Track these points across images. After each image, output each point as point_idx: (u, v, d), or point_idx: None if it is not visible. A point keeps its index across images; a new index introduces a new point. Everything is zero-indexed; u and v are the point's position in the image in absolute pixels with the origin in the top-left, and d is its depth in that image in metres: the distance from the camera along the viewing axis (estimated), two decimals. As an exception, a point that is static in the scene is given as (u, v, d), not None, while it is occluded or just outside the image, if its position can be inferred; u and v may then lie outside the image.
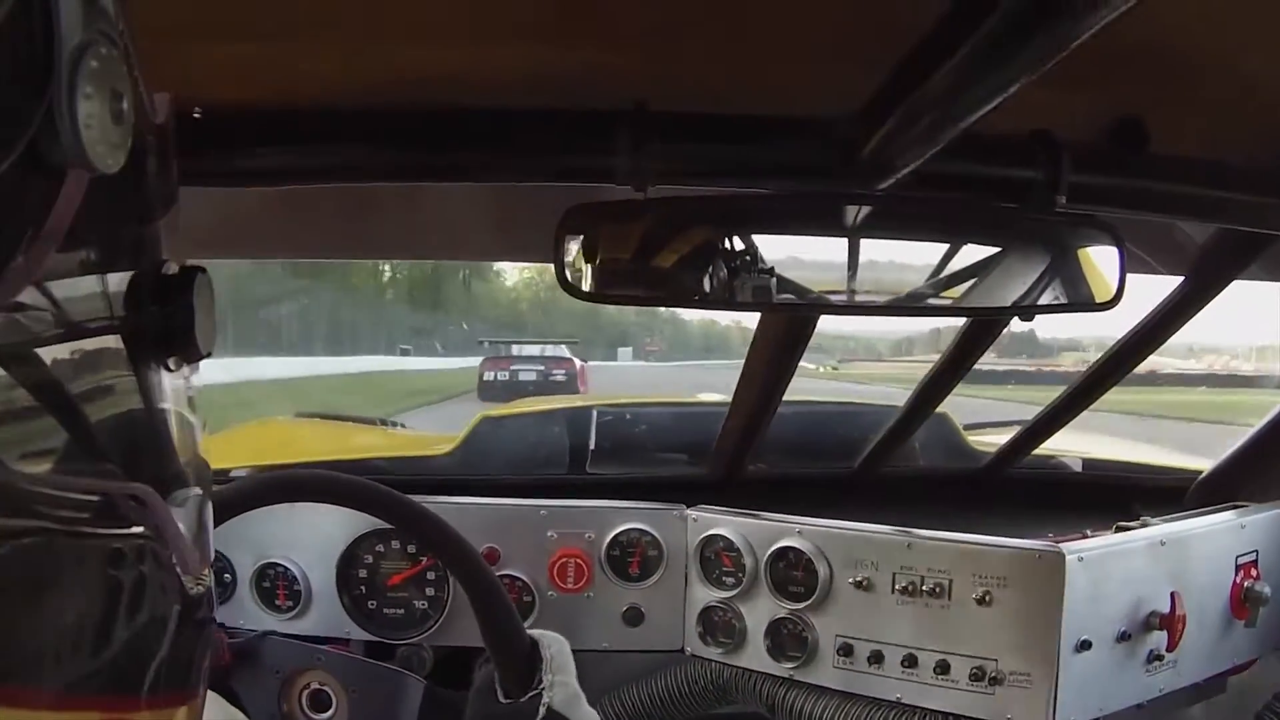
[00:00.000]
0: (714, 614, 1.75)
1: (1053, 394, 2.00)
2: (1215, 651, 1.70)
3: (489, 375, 16.80)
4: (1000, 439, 2.22)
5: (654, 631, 1.80)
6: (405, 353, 24.22)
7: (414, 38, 1.02)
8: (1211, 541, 1.68)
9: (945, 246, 1.27)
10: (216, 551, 1.72)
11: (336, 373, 18.32)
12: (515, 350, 18.69)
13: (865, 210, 1.21)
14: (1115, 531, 1.62)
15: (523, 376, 16.40)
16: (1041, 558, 1.48)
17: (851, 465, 2.15)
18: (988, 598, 1.51)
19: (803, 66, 1.07)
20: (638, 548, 1.79)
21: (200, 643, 0.55)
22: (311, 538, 1.75)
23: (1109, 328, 1.80)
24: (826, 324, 1.82)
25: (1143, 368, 1.90)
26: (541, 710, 1.19)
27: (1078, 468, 2.37)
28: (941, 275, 1.27)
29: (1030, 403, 2.07)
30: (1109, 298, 1.23)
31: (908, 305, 1.28)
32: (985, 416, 2.90)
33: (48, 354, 0.41)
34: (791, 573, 1.67)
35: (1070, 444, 2.38)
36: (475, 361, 17.89)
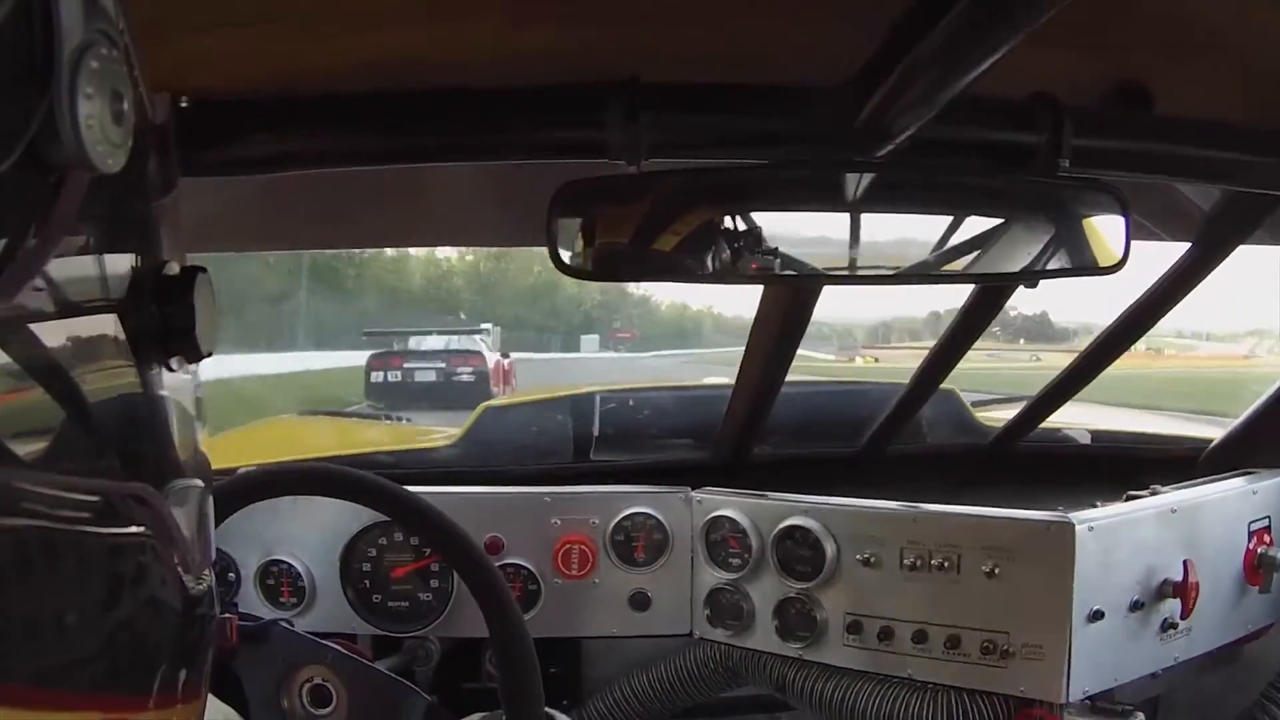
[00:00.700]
0: (721, 596, 1.74)
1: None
2: (1229, 619, 1.69)
3: (377, 376, 14.60)
4: (1008, 414, 2.20)
5: (661, 616, 1.79)
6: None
7: (404, 20, 1.01)
8: (1223, 508, 1.67)
9: (948, 214, 1.25)
10: (219, 550, 1.72)
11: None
12: (412, 344, 16.02)
13: (865, 180, 1.20)
14: (1125, 500, 1.60)
15: (420, 377, 14.20)
16: (1051, 528, 1.46)
17: (858, 444, 2.13)
18: (997, 570, 1.49)
19: (795, 32, 1.05)
20: (642, 532, 1.78)
21: (202, 642, 0.55)
22: (314, 533, 1.75)
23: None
24: (824, 312, 1.79)
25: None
26: None
27: (1086, 440, 2.35)
28: (945, 243, 1.26)
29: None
30: (1114, 262, 1.21)
31: (911, 274, 1.26)
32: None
33: (49, 354, 0.41)
34: (798, 552, 1.65)
35: (1078, 416, 2.36)
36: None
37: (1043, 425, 2.14)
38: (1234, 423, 1.98)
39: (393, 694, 1.32)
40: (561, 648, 1.84)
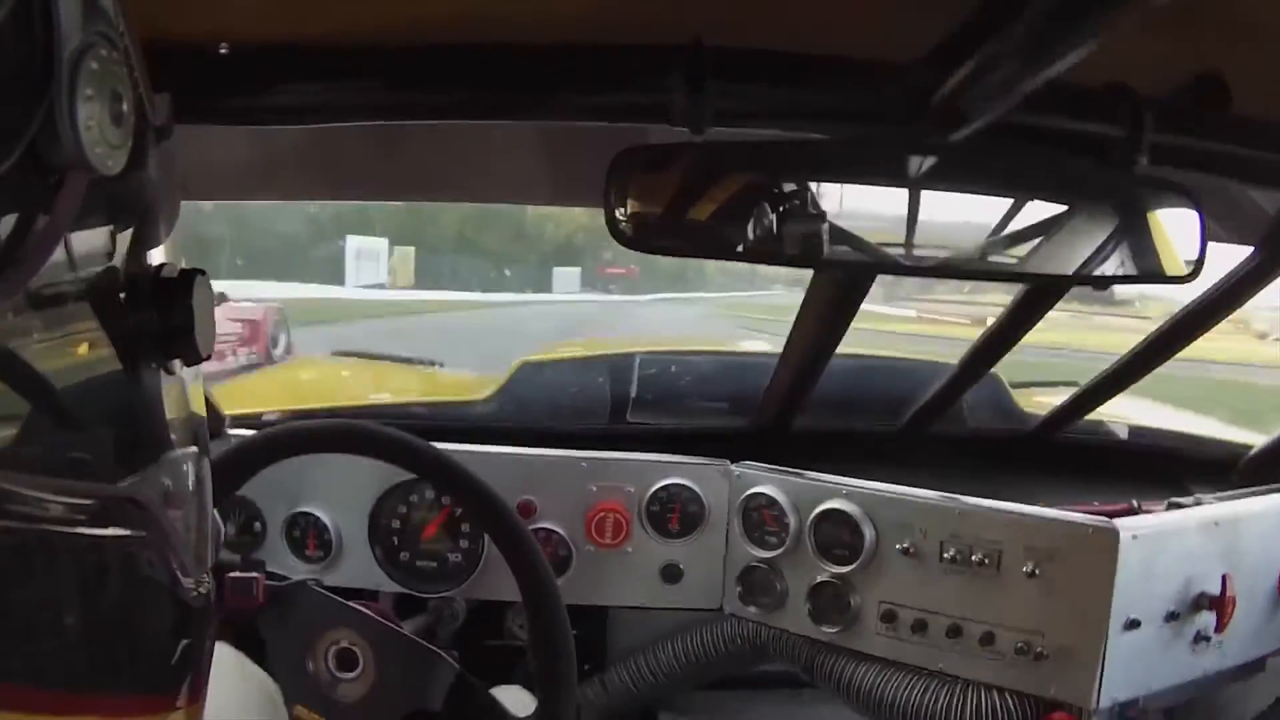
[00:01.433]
0: (755, 574, 1.72)
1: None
2: (1261, 633, 1.66)
3: None
4: (1048, 399, 2.16)
5: (692, 589, 1.77)
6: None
7: None
8: (1264, 522, 1.63)
9: (1010, 203, 1.20)
10: (247, 498, 1.73)
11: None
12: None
13: (934, 162, 1.15)
14: (1168, 509, 1.57)
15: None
16: (1095, 533, 1.43)
17: (898, 423, 2.10)
18: (1038, 571, 1.46)
19: (871, 3, 1.00)
20: (678, 503, 1.75)
21: (201, 645, 0.55)
22: (343, 487, 1.74)
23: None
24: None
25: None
26: None
27: (1123, 434, 2.31)
28: (1006, 234, 1.21)
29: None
30: (1182, 270, 1.16)
31: (969, 266, 1.22)
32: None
33: (49, 354, 0.42)
34: (837, 535, 1.63)
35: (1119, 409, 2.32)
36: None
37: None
38: (1276, 431, 1.94)
39: (421, 660, 1.31)
40: (589, 613, 1.83)
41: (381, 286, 20.88)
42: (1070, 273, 1.25)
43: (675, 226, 1.18)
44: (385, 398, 2.41)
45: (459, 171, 1.80)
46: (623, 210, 1.13)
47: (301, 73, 1.11)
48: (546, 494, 1.75)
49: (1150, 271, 1.20)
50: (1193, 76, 1.13)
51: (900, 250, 1.19)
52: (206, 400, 1.52)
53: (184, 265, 0.52)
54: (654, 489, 1.75)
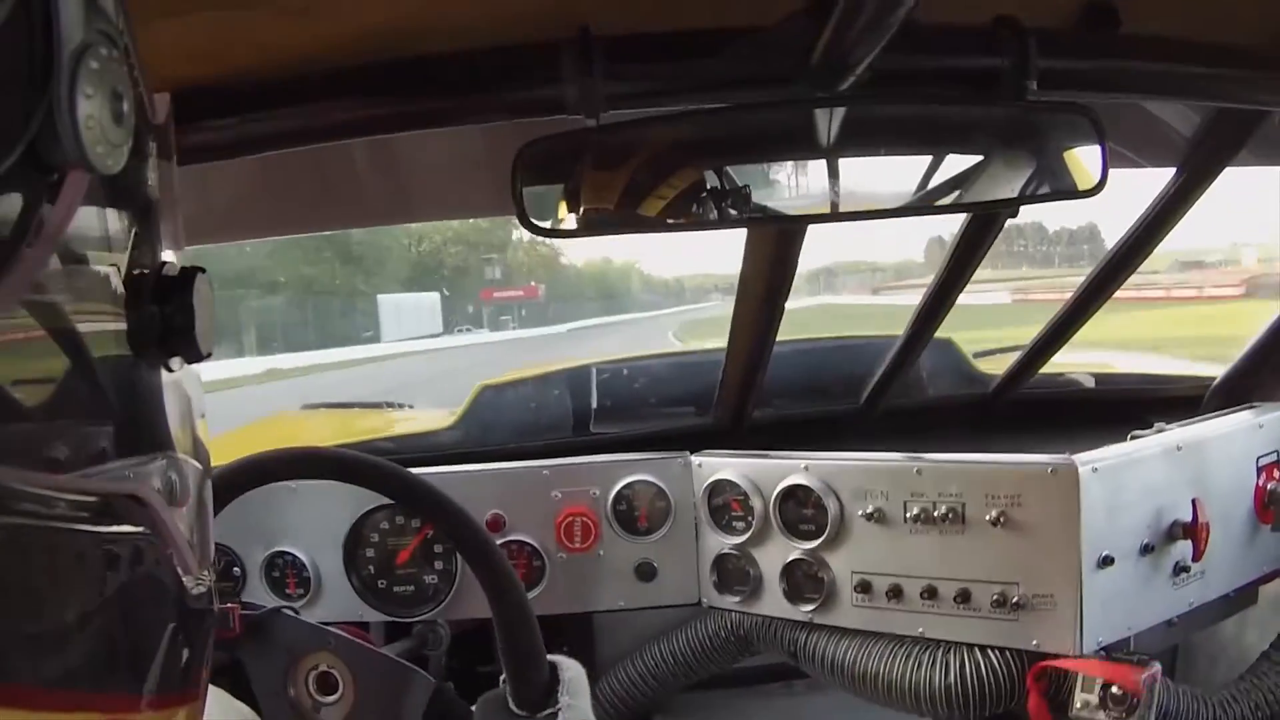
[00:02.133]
0: (727, 562, 1.72)
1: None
2: (1244, 559, 1.65)
3: None
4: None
5: (668, 585, 1.77)
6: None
7: None
8: (1230, 444, 1.63)
9: (921, 146, 1.23)
10: (224, 545, 1.73)
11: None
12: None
13: (835, 116, 1.17)
14: (1129, 440, 1.57)
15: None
16: (1054, 472, 1.43)
17: (859, 401, 2.11)
18: (1002, 518, 1.46)
19: None
20: (644, 500, 1.76)
21: (202, 642, 0.55)
22: (316, 522, 1.75)
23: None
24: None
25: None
26: None
27: (1090, 384, 2.32)
28: (924, 175, 1.23)
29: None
30: (1093, 184, 1.18)
31: (891, 208, 1.24)
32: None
33: (49, 354, 0.41)
34: (801, 511, 1.63)
35: (1081, 359, 2.33)
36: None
37: (1046, 371, 2.11)
38: (1236, 357, 1.95)
39: (399, 677, 1.31)
40: (572, 626, 1.83)
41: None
42: (985, 200, 1.27)
43: (590, 210, 1.20)
44: (353, 437, 2.40)
45: (392, 195, 1.81)
46: (534, 203, 1.15)
47: (222, 109, 1.13)
48: (513, 506, 1.75)
49: (1060, 189, 1.21)
50: (1083, 4, 1.16)
51: (823, 201, 1.21)
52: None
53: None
54: (618, 488, 1.75)
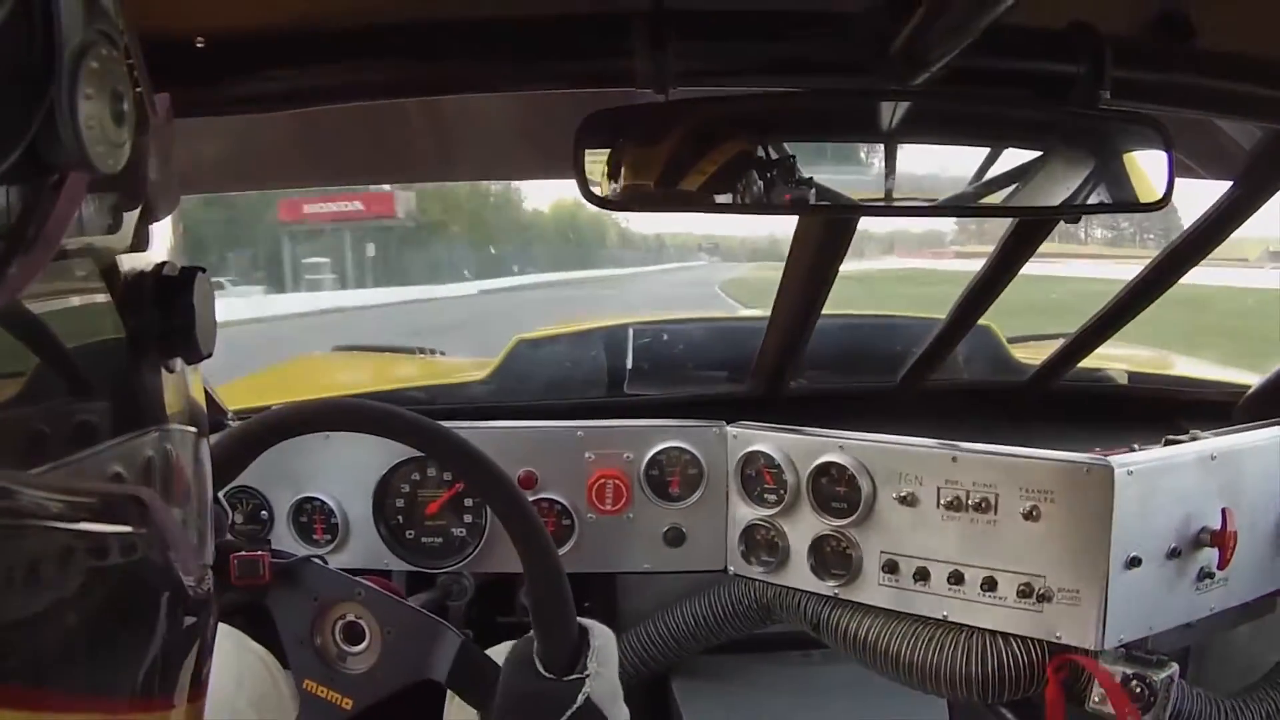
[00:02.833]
0: (756, 532, 1.73)
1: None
2: (1266, 570, 1.65)
3: None
4: (1046, 352, 2.16)
5: (696, 552, 1.78)
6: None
7: None
8: (1262, 456, 1.62)
9: (986, 145, 1.22)
10: (252, 489, 1.76)
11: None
12: None
13: (902, 109, 1.16)
14: (1165, 445, 1.57)
15: None
16: (1090, 471, 1.43)
17: (894, 379, 2.11)
18: (1035, 512, 1.47)
19: None
20: (677, 466, 1.77)
21: (202, 643, 0.56)
22: (346, 470, 1.76)
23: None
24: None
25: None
26: (581, 698, 1.15)
27: (1124, 381, 2.31)
28: (984, 175, 1.22)
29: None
30: (1156, 198, 1.17)
31: (948, 205, 1.23)
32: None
33: (49, 354, 0.42)
34: (834, 489, 1.64)
35: (1117, 355, 2.32)
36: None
37: (1081, 365, 2.10)
38: (1273, 369, 1.93)
39: (426, 631, 1.32)
40: (596, 582, 1.85)
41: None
42: (1045, 205, 1.26)
43: (648, 185, 1.19)
44: (385, 385, 2.42)
45: (437, 152, 1.81)
46: (595, 173, 1.14)
47: (276, 60, 1.12)
48: (546, 465, 1.76)
49: (1123, 201, 1.21)
50: (1156, 13, 1.14)
51: (880, 193, 1.20)
52: (208, 395, 1.52)
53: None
54: (652, 454, 1.76)
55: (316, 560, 1.33)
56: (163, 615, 0.50)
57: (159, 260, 0.51)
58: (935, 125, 1.22)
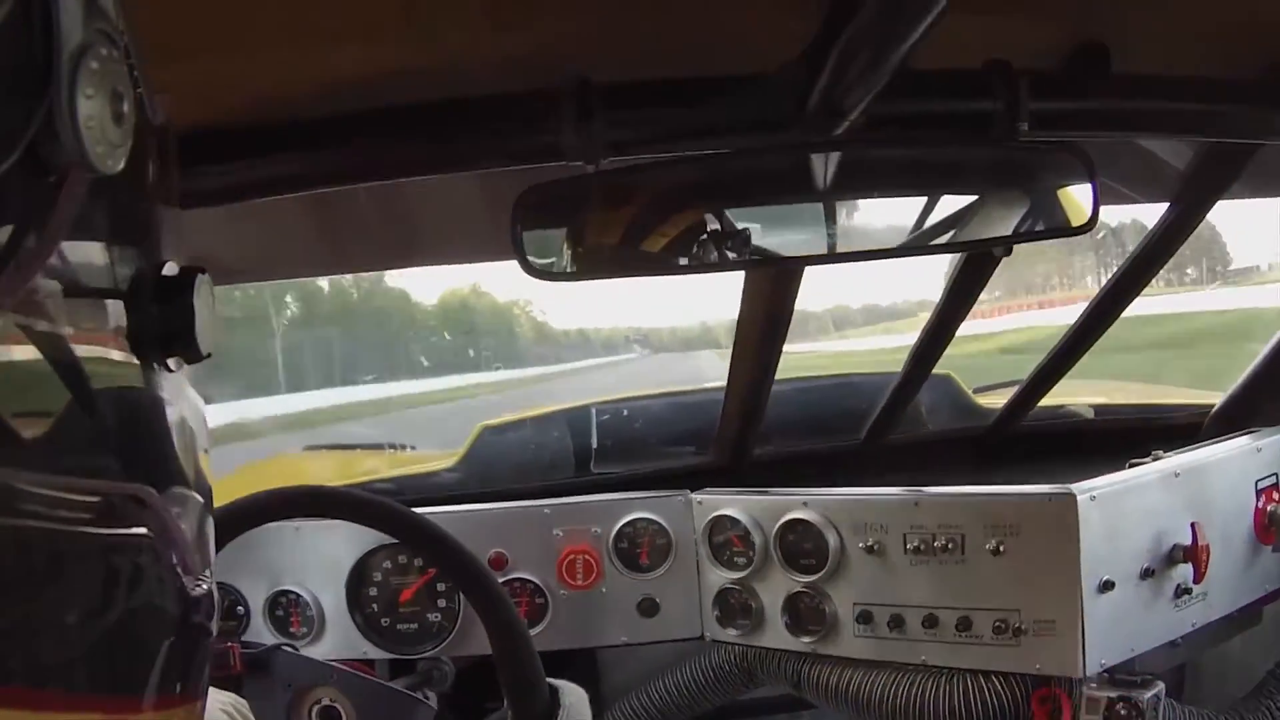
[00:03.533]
0: (729, 596, 1.73)
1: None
2: (1245, 580, 1.66)
3: None
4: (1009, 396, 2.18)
5: (671, 620, 1.77)
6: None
7: (351, 38, 1.01)
8: (1228, 468, 1.65)
9: (916, 188, 1.25)
10: (228, 584, 1.74)
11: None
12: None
13: (830, 160, 1.19)
14: (1128, 468, 1.59)
15: None
16: (1052, 500, 1.45)
17: (858, 437, 2.12)
18: (1001, 548, 1.48)
19: (739, 19, 1.06)
20: (645, 537, 1.77)
21: (202, 644, 0.55)
22: (319, 560, 1.75)
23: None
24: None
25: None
26: None
27: (1090, 415, 2.33)
28: (918, 216, 1.25)
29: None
30: (1085, 221, 1.20)
31: (888, 249, 1.25)
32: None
33: (49, 354, 0.41)
34: (801, 545, 1.64)
35: (1080, 392, 2.34)
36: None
37: (1045, 404, 2.13)
38: (1235, 384, 1.96)
39: (401, 708, 1.32)
40: (576, 660, 1.83)
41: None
42: (978, 239, 1.29)
43: (589, 254, 1.22)
44: (355, 478, 2.41)
45: (395, 240, 1.82)
46: (535, 248, 1.17)
47: (214, 155, 1.14)
48: (515, 544, 1.76)
49: (1053, 227, 1.24)
50: (1073, 47, 1.19)
51: (821, 241, 1.23)
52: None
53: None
54: (619, 526, 1.76)
55: (288, 648, 1.32)
56: (164, 616, 0.49)
57: (159, 260, 0.50)
58: (862, 172, 1.25)
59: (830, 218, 1.22)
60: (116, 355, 0.47)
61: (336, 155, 1.18)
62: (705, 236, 1.20)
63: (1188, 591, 1.55)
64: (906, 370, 1.95)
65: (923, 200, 1.25)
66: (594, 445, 2.30)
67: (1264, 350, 1.86)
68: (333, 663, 1.32)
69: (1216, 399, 2.04)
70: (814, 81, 1.04)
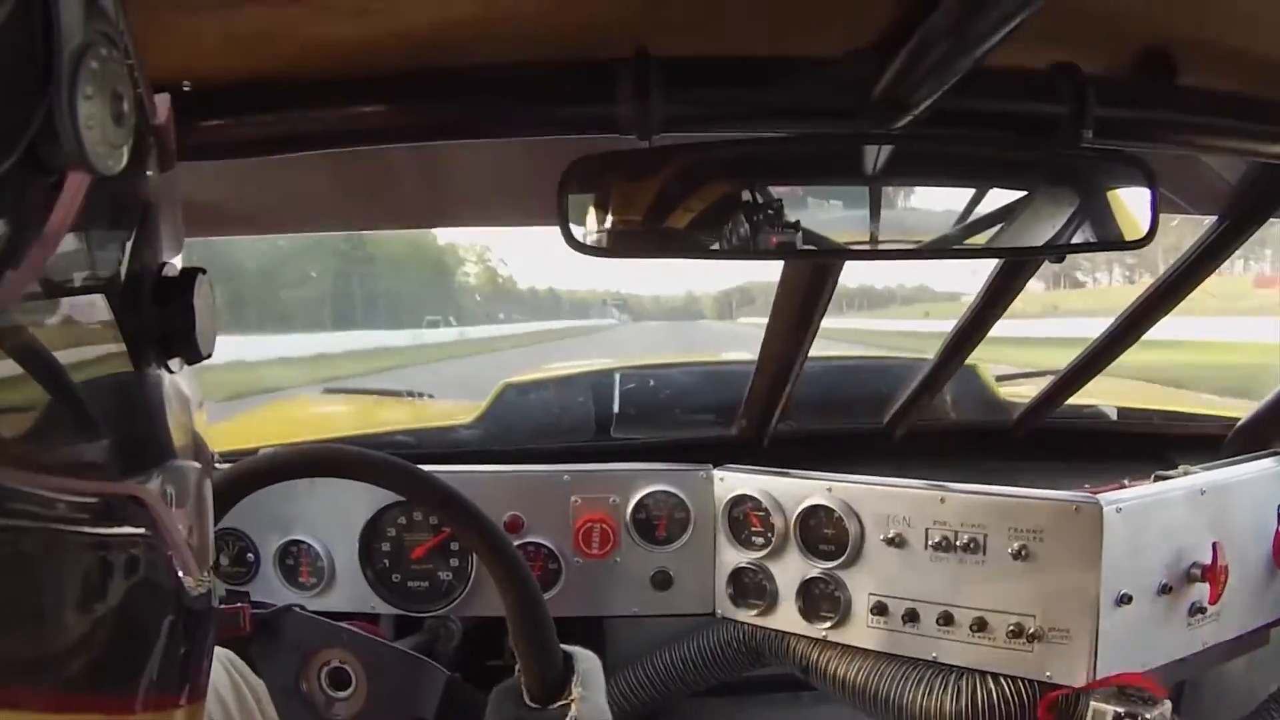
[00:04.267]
0: (744, 575, 1.73)
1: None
2: (1258, 603, 1.65)
3: None
4: (1034, 391, 2.17)
5: (684, 595, 1.77)
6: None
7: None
8: (1252, 489, 1.63)
9: (970, 187, 1.22)
10: (239, 531, 1.74)
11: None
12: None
13: (885, 152, 1.16)
14: (1154, 481, 1.57)
15: None
16: (1079, 509, 1.43)
17: (881, 421, 2.11)
18: (1024, 552, 1.47)
19: (811, 2, 1.02)
20: (664, 510, 1.76)
21: (202, 644, 0.55)
22: (333, 513, 1.75)
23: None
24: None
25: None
26: None
27: (1113, 417, 2.32)
28: (968, 217, 1.22)
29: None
30: (1141, 235, 1.18)
31: (933, 249, 1.23)
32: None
33: (49, 355, 0.41)
34: (822, 531, 1.64)
35: (1105, 392, 2.32)
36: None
37: (1070, 402, 2.11)
38: (1262, 401, 1.94)
39: (411, 671, 1.32)
40: (584, 626, 1.83)
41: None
42: (1030, 246, 1.26)
43: (632, 231, 1.19)
44: (373, 428, 2.41)
45: (417, 199, 1.80)
46: (578, 219, 1.15)
47: (263, 105, 1.12)
48: (532, 509, 1.75)
49: (1108, 239, 1.21)
50: (1138, 53, 1.15)
51: (865, 237, 1.20)
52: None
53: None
54: (638, 498, 1.75)
55: (297, 608, 1.32)
56: (162, 616, 0.49)
57: (160, 261, 0.50)
58: (919, 168, 1.22)
59: (876, 212, 1.19)
60: (118, 356, 0.46)
61: (380, 114, 1.15)
62: (751, 222, 1.18)
63: (1202, 611, 1.54)
64: (938, 360, 1.94)
65: (976, 202, 1.22)
66: (616, 410, 2.29)
67: None
68: (341, 624, 1.32)
69: (1241, 412, 2.02)
70: (882, 72, 1.01)
